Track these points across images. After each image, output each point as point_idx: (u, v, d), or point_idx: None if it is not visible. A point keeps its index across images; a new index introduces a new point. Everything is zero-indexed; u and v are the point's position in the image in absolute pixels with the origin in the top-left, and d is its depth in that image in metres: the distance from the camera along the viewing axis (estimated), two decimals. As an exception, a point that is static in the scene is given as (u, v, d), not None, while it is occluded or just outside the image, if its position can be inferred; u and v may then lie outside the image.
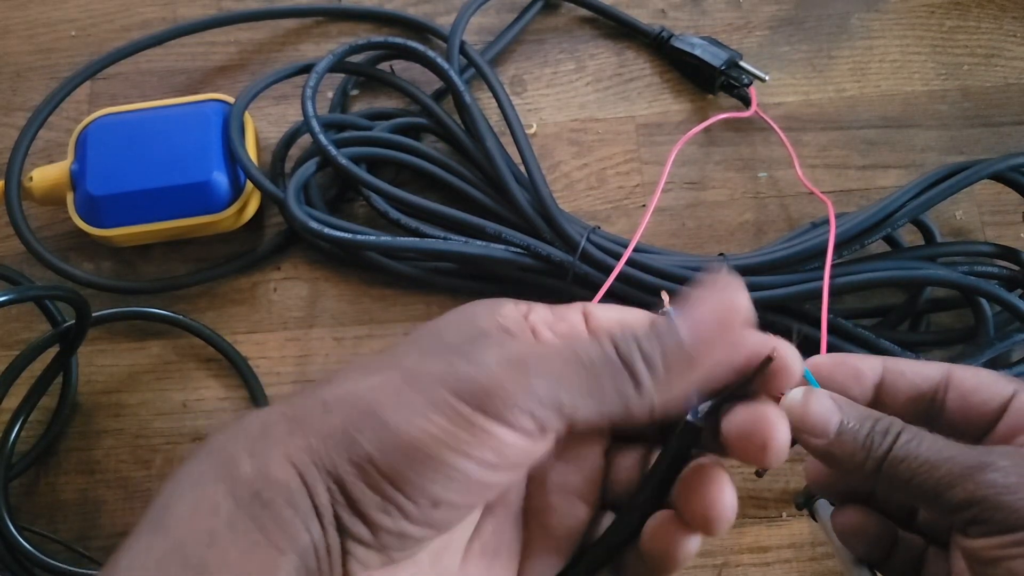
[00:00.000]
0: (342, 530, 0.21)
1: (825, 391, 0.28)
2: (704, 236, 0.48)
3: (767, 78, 0.49)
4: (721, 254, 0.45)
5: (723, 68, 0.49)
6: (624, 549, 0.25)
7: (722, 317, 0.23)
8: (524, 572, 0.26)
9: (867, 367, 0.29)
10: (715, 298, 0.23)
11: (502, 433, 0.21)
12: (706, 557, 0.42)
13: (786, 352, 0.24)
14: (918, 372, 0.29)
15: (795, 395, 0.27)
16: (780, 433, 0.24)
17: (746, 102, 0.49)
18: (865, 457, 0.26)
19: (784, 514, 0.43)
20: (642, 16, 0.52)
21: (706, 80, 0.50)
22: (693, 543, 0.25)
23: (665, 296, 0.25)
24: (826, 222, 0.43)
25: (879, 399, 0.29)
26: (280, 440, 0.21)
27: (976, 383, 0.28)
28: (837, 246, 0.41)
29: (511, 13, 0.53)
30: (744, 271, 0.42)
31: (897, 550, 0.31)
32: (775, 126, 0.47)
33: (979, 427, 0.28)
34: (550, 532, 0.26)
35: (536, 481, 0.26)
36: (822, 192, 0.47)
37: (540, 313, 0.25)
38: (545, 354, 0.22)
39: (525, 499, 0.27)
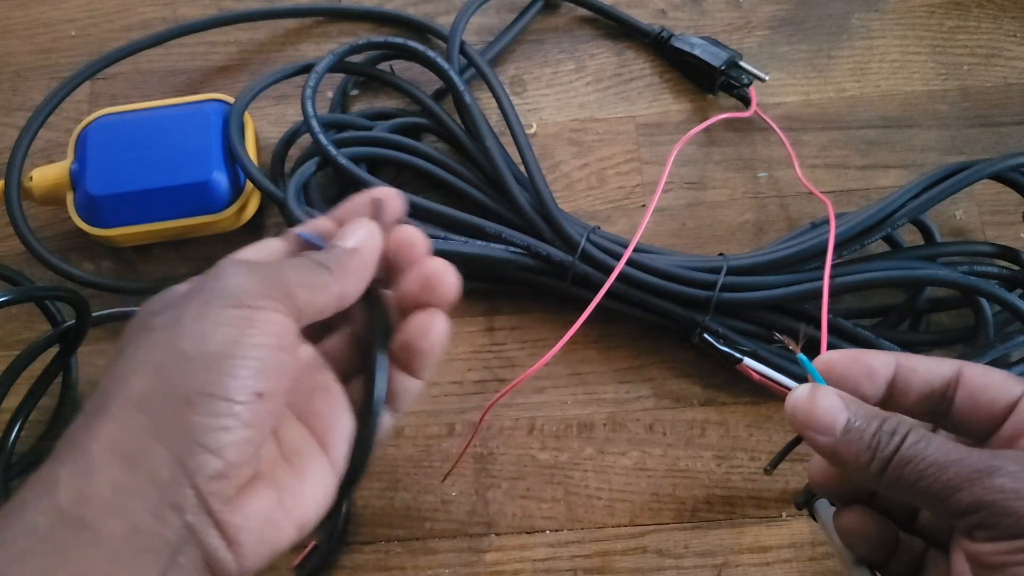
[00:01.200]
0: (190, 477, 0.24)
1: (832, 388, 0.28)
2: (704, 236, 0.48)
3: (767, 78, 0.49)
4: (721, 254, 0.45)
5: (723, 68, 0.49)
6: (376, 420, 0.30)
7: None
8: (329, 454, 0.30)
9: (880, 363, 0.29)
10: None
11: (267, 315, 0.26)
12: (706, 557, 0.42)
13: (382, 192, 0.31)
14: (931, 369, 0.29)
15: (802, 391, 0.28)
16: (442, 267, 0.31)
17: (746, 102, 0.49)
18: (871, 457, 0.26)
19: (784, 514, 0.43)
20: (642, 16, 0.52)
21: (706, 80, 0.50)
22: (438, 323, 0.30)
23: (295, 229, 0.32)
24: (826, 222, 0.43)
25: (891, 396, 0.29)
26: (94, 437, 0.24)
27: (985, 382, 0.28)
28: (837, 246, 0.41)
29: (511, 13, 0.53)
30: (744, 271, 0.42)
31: (898, 551, 0.31)
32: (775, 126, 0.47)
33: (986, 426, 0.28)
34: (324, 422, 0.30)
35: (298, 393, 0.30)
36: (822, 192, 0.48)
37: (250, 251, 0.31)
38: (261, 266, 0.28)
39: (298, 413, 0.30)
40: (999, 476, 0.25)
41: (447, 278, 0.30)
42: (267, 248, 0.31)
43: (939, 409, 0.29)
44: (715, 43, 0.50)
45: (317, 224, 0.32)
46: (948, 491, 0.25)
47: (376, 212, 0.31)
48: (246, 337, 0.26)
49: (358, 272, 0.30)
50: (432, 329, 0.30)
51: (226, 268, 0.28)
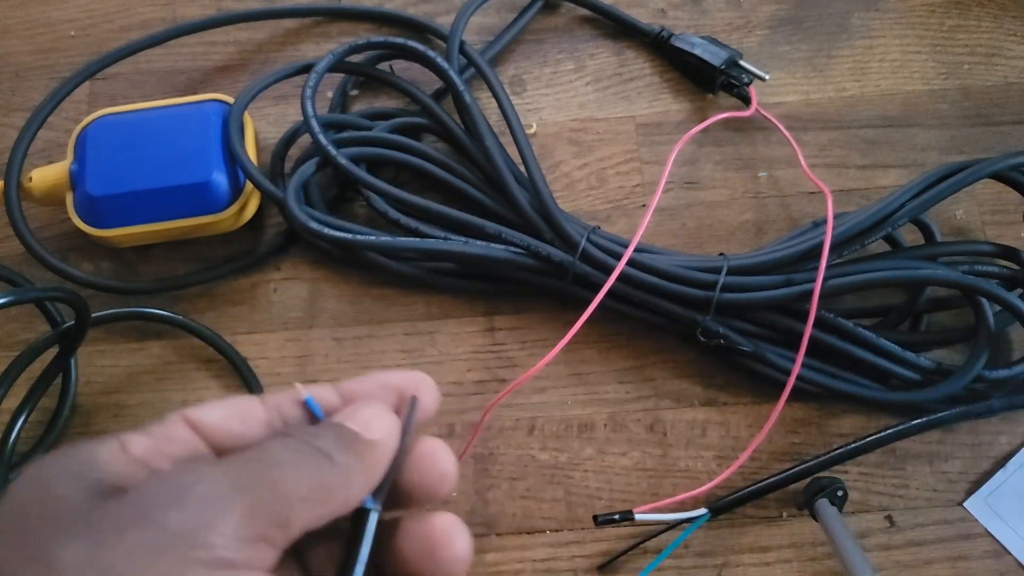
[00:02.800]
0: None
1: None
2: (704, 236, 0.48)
3: (767, 77, 0.49)
4: (721, 254, 0.45)
5: (723, 67, 0.49)
6: None
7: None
8: None
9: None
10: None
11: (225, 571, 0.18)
12: (706, 557, 0.42)
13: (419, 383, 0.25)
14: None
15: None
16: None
17: (746, 101, 0.49)
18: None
19: (784, 514, 0.43)
20: (642, 15, 0.52)
21: (706, 80, 0.50)
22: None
23: (300, 387, 0.25)
24: (827, 222, 0.42)
25: None
26: None
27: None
28: (837, 246, 0.41)
29: (511, 13, 0.52)
30: (744, 271, 0.42)
31: None
32: (778, 123, 0.47)
33: None
34: None
35: None
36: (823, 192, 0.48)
37: (138, 444, 0.21)
38: (257, 462, 0.20)
39: None
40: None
41: (457, 545, 0.23)
42: (237, 412, 0.23)
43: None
44: (715, 42, 0.50)
45: (316, 391, 0.24)
46: None
47: (403, 409, 0.24)
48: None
49: (371, 472, 0.22)
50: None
51: (189, 474, 0.19)
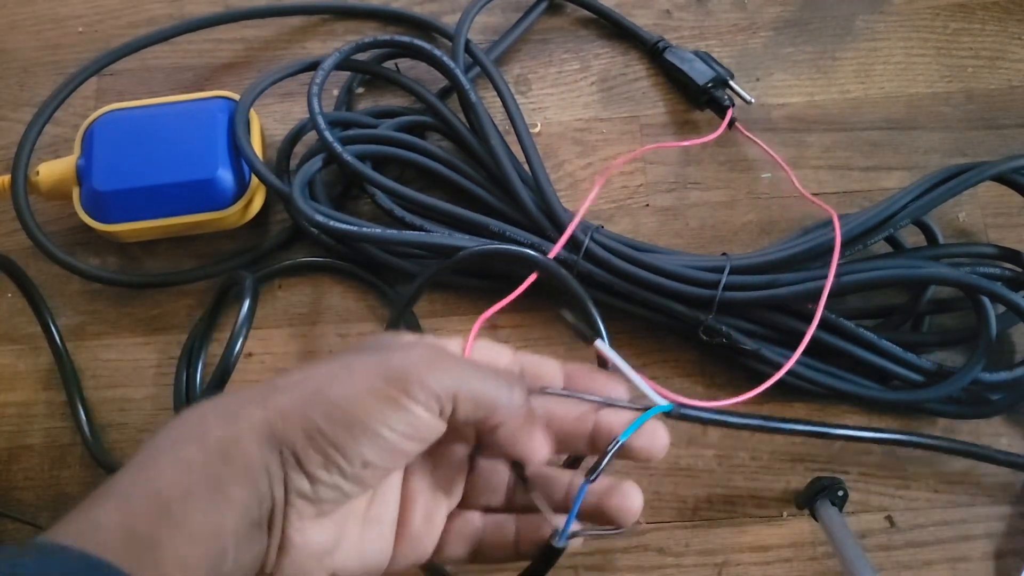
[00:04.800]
0: (288, 487, 0.26)
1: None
2: (707, 236, 0.48)
3: (753, 101, 0.49)
4: (724, 254, 0.45)
5: (707, 86, 0.49)
6: None
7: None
8: (396, 546, 0.31)
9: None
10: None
11: (416, 410, 0.27)
12: (706, 556, 0.42)
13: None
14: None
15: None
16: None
17: (729, 123, 0.48)
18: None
19: (784, 513, 0.43)
20: (647, 17, 0.52)
21: (692, 95, 0.50)
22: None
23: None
24: (829, 222, 0.43)
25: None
26: (244, 417, 0.27)
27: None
28: (840, 246, 0.41)
29: (516, 12, 0.53)
30: (747, 271, 0.42)
31: None
32: (764, 145, 0.47)
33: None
34: (415, 517, 0.31)
35: (412, 471, 0.32)
36: (826, 193, 0.48)
37: (431, 339, 0.32)
38: (450, 357, 0.29)
39: (403, 486, 0.31)
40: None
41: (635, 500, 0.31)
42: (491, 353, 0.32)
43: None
44: (709, 60, 0.50)
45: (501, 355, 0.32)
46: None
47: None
48: (384, 418, 0.27)
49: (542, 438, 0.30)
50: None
51: (403, 345, 0.29)
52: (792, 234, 0.46)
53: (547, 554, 0.30)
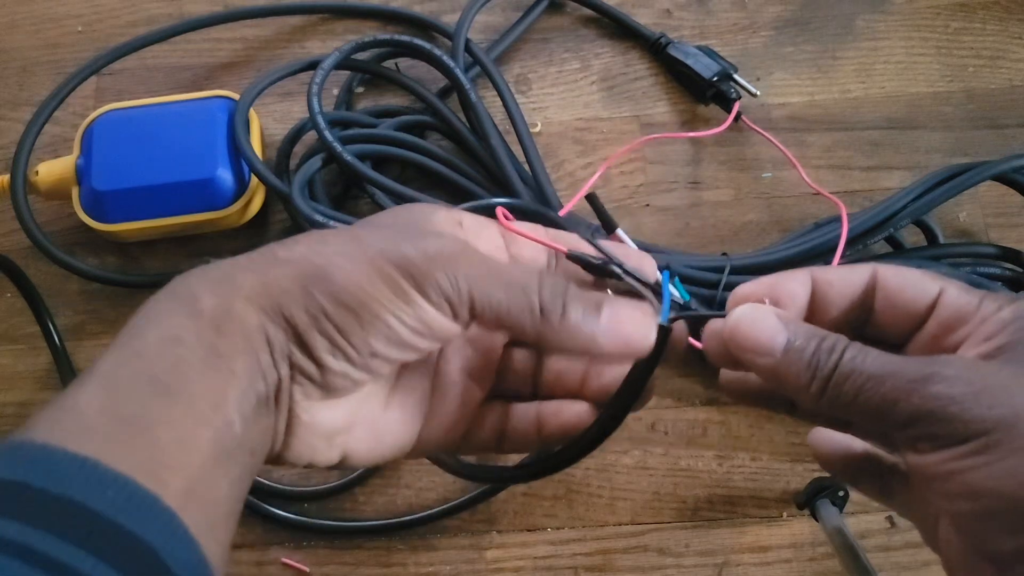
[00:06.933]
0: (293, 365, 0.24)
1: (771, 308, 0.27)
2: (708, 236, 0.48)
3: (758, 93, 0.49)
4: (724, 254, 0.45)
5: (713, 80, 0.49)
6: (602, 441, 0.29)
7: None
8: (421, 432, 0.29)
9: (798, 284, 0.28)
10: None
11: (426, 306, 0.25)
12: (706, 556, 0.42)
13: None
14: (846, 279, 0.28)
15: (741, 312, 0.27)
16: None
17: (736, 116, 0.48)
18: (811, 377, 0.25)
19: (785, 514, 0.43)
20: (647, 16, 0.52)
21: (697, 90, 0.50)
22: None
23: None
24: (830, 223, 0.43)
25: (813, 315, 0.28)
26: (240, 285, 0.24)
27: (901, 283, 0.27)
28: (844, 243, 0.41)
29: (516, 11, 0.53)
30: (748, 271, 0.42)
31: (865, 469, 0.30)
32: (772, 138, 0.47)
33: (907, 328, 0.27)
34: (447, 405, 0.29)
35: (446, 357, 0.29)
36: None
37: (468, 221, 0.29)
38: (473, 258, 0.26)
39: (436, 371, 0.29)
40: (935, 383, 0.24)
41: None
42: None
43: (860, 318, 0.28)
44: (712, 54, 0.50)
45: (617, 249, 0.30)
46: (887, 404, 0.24)
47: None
48: (393, 307, 0.25)
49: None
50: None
51: (425, 231, 0.27)
52: (797, 231, 0.46)
53: (659, 337, 0.27)
